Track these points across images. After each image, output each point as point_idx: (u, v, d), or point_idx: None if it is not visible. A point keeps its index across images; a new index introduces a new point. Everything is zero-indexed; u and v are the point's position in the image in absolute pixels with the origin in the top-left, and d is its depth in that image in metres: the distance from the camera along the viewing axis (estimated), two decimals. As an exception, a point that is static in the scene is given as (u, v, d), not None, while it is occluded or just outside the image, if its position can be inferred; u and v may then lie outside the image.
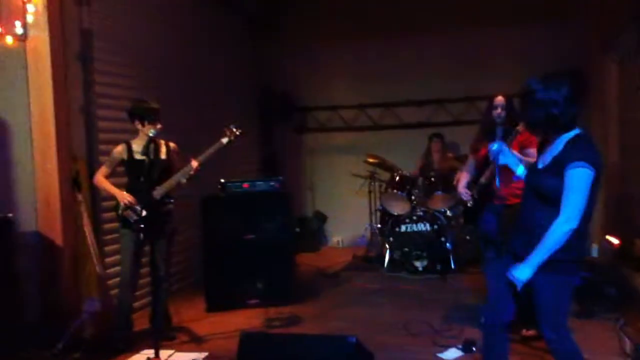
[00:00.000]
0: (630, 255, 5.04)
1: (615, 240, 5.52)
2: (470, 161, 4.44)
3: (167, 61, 5.86)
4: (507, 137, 3.72)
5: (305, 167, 8.64)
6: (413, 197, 6.60)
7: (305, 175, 8.61)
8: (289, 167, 8.44)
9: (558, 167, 2.62)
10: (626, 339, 3.88)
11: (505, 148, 3.05)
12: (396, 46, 7.95)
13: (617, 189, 6.13)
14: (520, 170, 2.97)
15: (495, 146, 3.03)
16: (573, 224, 2.56)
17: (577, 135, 2.68)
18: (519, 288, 2.70)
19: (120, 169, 4.31)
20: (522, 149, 3.81)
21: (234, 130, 4.28)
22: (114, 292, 4.44)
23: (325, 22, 8.10)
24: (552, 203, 2.63)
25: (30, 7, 4.19)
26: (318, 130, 8.53)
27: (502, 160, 3.02)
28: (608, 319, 4.42)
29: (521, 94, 2.75)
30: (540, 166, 2.77)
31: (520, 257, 2.77)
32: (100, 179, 4.24)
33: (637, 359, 3.44)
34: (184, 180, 4.19)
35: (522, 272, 2.66)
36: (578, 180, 2.55)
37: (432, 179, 6.69)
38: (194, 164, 4.17)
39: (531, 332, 4.05)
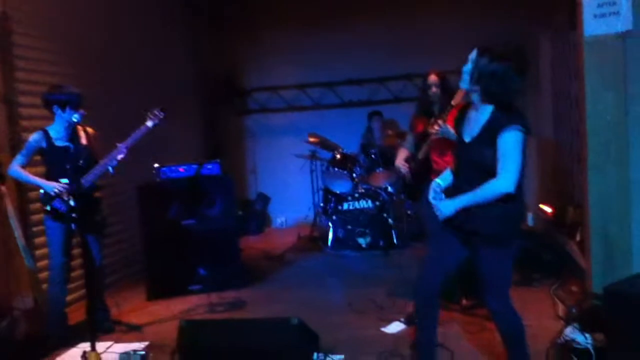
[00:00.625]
0: (564, 222, 5.23)
1: (548, 209, 5.71)
2: (409, 138, 4.47)
3: (98, 46, 5.58)
4: (442, 114, 3.76)
5: (247, 149, 8.53)
6: (355, 175, 6.62)
7: (247, 157, 8.50)
8: (232, 150, 8.34)
9: (490, 135, 2.62)
10: (559, 302, 4.04)
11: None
12: (335, 26, 7.88)
13: (551, 160, 6.34)
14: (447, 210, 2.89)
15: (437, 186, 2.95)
16: (510, 188, 2.57)
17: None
18: (440, 219, 2.78)
19: (37, 158, 4.08)
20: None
21: (157, 113, 4.13)
22: (46, 286, 4.25)
23: (265, 4, 7.97)
24: (491, 175, 2.64)
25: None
26: (259, 111, 8.41)
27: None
28: (545, 285, 4.58)
29: (474, 65, 2.69)
30: (467, 139, 2.77)
31: (460, 229, 2.80)
32: (17, 169, 3.99)
33: (569, 320, 3.56)
34: (110, 168, 4.02)
35: (447, 207, 2.73)
36: (513, 144, 2.57)
37: (373, 156, 6.72)
38: (121, 147, 4.00)
39: (471, 301, 4.15)
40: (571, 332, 3.20)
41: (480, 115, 2.72)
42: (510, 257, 2.81)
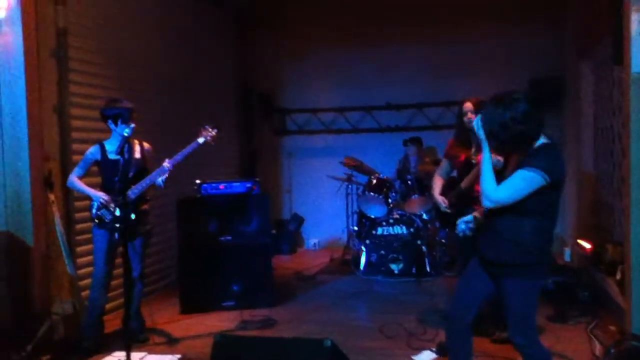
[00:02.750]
0: (603, 259, 5.12)
1: (587, 245, 5.60)
2: (444, 165, 4.45)
3: (146, 60, 5.80)
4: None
5: (284, 169, 8.62)
6: (390, 200, 6.63)
7: (283, 177, 8.59)
8: (268, 168, 8.43)
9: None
10: (596, 342, 3.95)
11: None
12: (376, 51, 7.98)
13: (591, 195, 6.23)
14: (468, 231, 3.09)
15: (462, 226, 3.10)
16: (489, 204, 2.70)
17: (541, 145, 2.73)
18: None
19: (94, 169, 4.24)
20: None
21: (210, 130, 4.25)
22: (86, 293, 4.37)
23: (309, 25, 8.13)
24: (518, 211, 2.68)
25: (2, 2, 4.10)
26: (297, 132, 8.52)
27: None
28: (580, 322, 4.49)
29: (483, 120, 2.76)
30: (508, 174, 2.80)
31: (488, 261, 2.81)
32: (74, 180, 4.17)
33: (607, 361, 3.49)
34: (159, 181, 4.15)
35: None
36: (522, 179, 2.64)
37: (409, 182, 6.73)
38: (166, 164, 4.13)
39: (504, 335, 4.08)
40: (609, 373, 3.13)
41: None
42: (535, 291, 2.79)
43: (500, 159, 3.09)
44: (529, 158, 2.68)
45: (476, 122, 2.79)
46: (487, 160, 2.75)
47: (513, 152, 2.83)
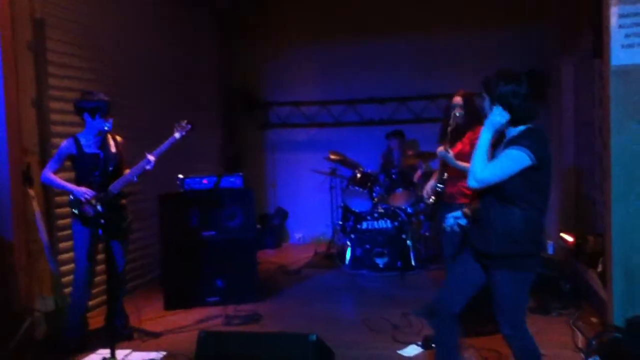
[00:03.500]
0: (584, 251, 5.18)
1: (569, 238, 5.66)
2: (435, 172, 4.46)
3: (126, 54, 5.72)
4: (444, 138, 3.81)
5: (267, 163, 8.58)
6: (374, 194, 6.63)
7: (267, 171, 8.56)
8: (252, 163, 8.39)
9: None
10: (579, 333, 3.99)
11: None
12: (359, 44, 7.97)
13: (573, 188, 6.30)
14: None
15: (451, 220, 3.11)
16: (475, 183, 2.71)
17: (528, 128, 2.75)
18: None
19: (67, 164, 4.17)
20: (473, 147, 3.85)
21: (184, 125, 4.21)
22: (68, 290, 4.31)
23: (290, 19, 8.10)
24: (507, 200, 2.70)
25: (-24, -8, 4.00)
26: (280, 126, 8.48)
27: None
28: (563, 314, 4.54)
29: (483, 88, 2.79)
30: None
31: (480, 252, 2.82)
32: (49, 175, 4.08)
33: (589, 352, 3.53)
34: (135, 176, 4.10)
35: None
36: (508, 158, 2.66)
37: (393, 176, 6.74)
38: (151, 157, 4.08)
39: (490, 327, 4.11)
40: (591, 364, 3.16)
41: (507, 140, 2.78)
42: (525, 283, 2.80)
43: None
44: (514, 139, 2.70)
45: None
46: (484, 141, 2.73)
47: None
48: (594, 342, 3.57)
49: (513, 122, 2.74)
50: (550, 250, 6.43)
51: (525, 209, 2.70)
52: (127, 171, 4.14)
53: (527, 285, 2.81)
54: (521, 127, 2.75)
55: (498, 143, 2.87)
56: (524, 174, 2.65)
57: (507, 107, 2.70)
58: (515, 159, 2.64)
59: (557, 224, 6.52)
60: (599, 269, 4.62)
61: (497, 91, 2.72)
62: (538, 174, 2.68)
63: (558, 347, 3.85)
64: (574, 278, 5.07)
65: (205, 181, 5.30)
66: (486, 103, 2.80)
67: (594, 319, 4.28)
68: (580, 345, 3.84)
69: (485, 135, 2.74)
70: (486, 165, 2.69)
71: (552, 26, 6.97)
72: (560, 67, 6.55)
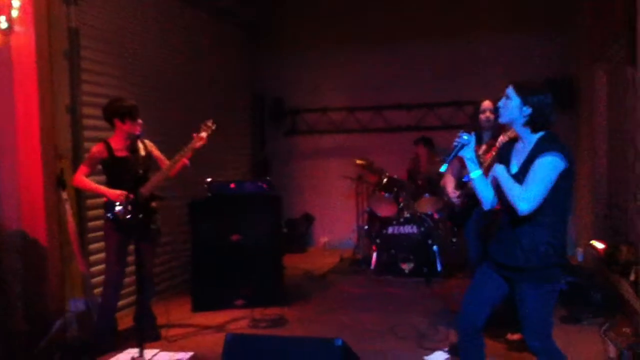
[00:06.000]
0: (616, 260, 5.07)
1: (600, 245, 5.54)
2: (456, 165, 4.44)
3: (156, 62, 5.83)
4: (494, 140, 3.75)
5: (295, 169, 8.62)
6: (400, 200, 6.61)
7: (294, 177, 8.59)
8: (279, 169, 8.44)
9: (531, 163, 2.64)
10: (610, 344, 3.90)
11: (472, 143, 2.86)
12: (386, 50, 7.98)
13: (605, 197, 6.18)
14: (476, 174, 2.85)
15: (465, 136, 2.83)
16: (524, 208, 2.57)
17: (549, 134, 2.71)
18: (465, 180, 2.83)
19: (98, 168, 4.26)
20: None
21: (210, 125, 4.26)
22: (98, 291, 4.39)
23: (317, 27, 8.15)
24: (534, 213, 2.62)
25: (15, 2, 4.12)
26: (308, 132, 8.52)
27: (464, 152, 2.84)
28: (593, 324, 4.45)
29: (515, 89, 2.74)
30: (515, 170, 2.76)
31: (501, 265, 2.79)
32: (82, 179, 4.18)
33: (621, 363, 3.46)
34: (172, 173, 4.21)
35: (475, 172, 2.80)
36: (545, 167, 2.58)
37: (420, 182, 6.70)
38: (185, 160, 4.17)
39: (516, 336, 4.06)
40: (623, 375, 3.09)
41: (527, 146, 2.74)
42: (552, 294, 2.74)
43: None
44: (541, 146, 2.65)
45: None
46: (502, 171, 2.69)
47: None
48: (626, 353, 3.50)
49: (535, 129, 2.70)
50: (579, 258, 6.32)
51: (551, 220, 2.65)
52: (157, 173, 4.22)
53: (554, 297, 2.75)
54: (539, 134, 2.71)
55: (508, 148, 2.84)
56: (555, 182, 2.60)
57: (539, 112, 2.66)
58: (552, 166, 2.58)
59: (588, 232, 6.40)
60: (632, 278, 4.52)
61: (533, 97, 2.67)
62: (564, 181, 2.63)
63: (590, 358, 3.78)
64: (605, 287, 4.96)
65: (232, 186, 5.35)
66: (514, 103, 2.72)
67: (626, 329, 4.18)
68: (612, 355, 3.76)
69: (499, 167, 2.71)
70: (526, 186, 2.60)
71: (582, 32, 6.87)
72: (592, 74, 6.43)
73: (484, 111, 4.10)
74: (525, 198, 2.57)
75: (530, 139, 2.72)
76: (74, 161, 4.57)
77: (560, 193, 2.63)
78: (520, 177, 2.69)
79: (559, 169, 2.58)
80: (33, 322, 4.12)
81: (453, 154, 2.83)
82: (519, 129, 2.74)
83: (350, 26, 8.00)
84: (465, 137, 2.79)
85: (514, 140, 2.87)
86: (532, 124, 2.68)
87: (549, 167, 2.58)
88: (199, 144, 4.22)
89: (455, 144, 2.81)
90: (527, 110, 2.67)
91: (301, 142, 8.58)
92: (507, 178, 2.67)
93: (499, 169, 2.71)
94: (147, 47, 5.69)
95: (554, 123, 2.71)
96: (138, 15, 5.54)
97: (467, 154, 2.80)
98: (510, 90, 2.74)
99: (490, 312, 2.93)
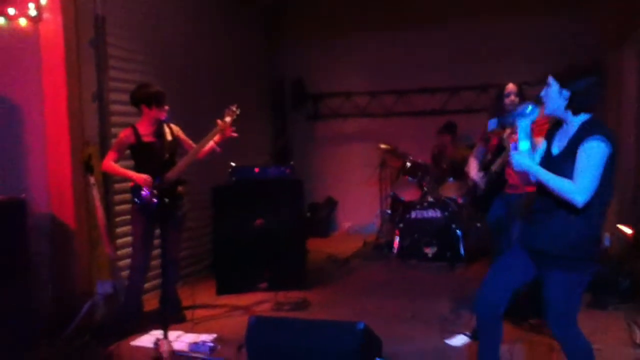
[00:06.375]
0: (644, 246, 4.99)
1: (628, 230, 5.45)
2: (479, 148, 4.42)
3: (180, 48, 5.88)
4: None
5: (318, 154, 8.63)
6: (424, 184, 6.58)
7: (317, 161, 8.60)
8: (302, 153, 8.45)
9: (575, 148, 2.59)
10: (637, 330, 3.86)
11: (534, 115, 2.83)
12: (410, 34, 7.89)
13: (633, 179, 6.06)
14: (524, 145, 2.80)
15: (530, 107, 2.79)
16: (579, 200, 2.52)
17: (591, 118, 2.67)
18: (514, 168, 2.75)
19: (126, 152, 4.34)
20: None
21: (235, 109, 4.28)
22: (125, 273, 4.49)
23: (339, 10, 8.09)
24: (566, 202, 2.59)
25: (43, -10, 4.20)
26: (330, 116, 8.51)
27: (522, 121, 2.81)
28: (620, 310, 4.39)
29: (555, 77, 2.71)
30: (556, 152, 2.73)
31: (533, 248, 2.76)
32: (110, 164, 4.26)
33: (646, 349, 3.41)
34: (202, 154, 4.26)
35: (523, 160, 2.69)
36: (591, 154, 2.54)
37: (444, 166, 6.66)
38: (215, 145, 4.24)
39: (540, 321, 4.04)
40: (648, 361, 3.06)
41: (570, 128, 2.70)
42: (582, 285, 2.70)
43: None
44: (585, 130, 2.61)
45: (529, 111, 2.73)
46: (544, 175, 2.63)
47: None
48: (652, 339, 3.45)
49: (576, 110, 2.65)
50: (607, 243, 6.21)
51: (587, 211, 2.58)
52: (184, 158, 4.27)
53: (582, 288, 2.71)
54: (583, 117, 2.66)
55: (554, 129, 2.80)
56: None
57: (578, 94, 2.62)
58: (598, 151, 2.54)
59: (616, 216, 6.28)
60: (660, 263, 4.45)
61: (572, 80, 2.64)
62: (607, 168, 2.57)
63: (615, 343, 3.74)
64: (632, 273, 4.89)
65: (256, 170, 5.39)
66: (553, 89, 2.68)
67: (653, 315, 4.12)
68: (638, 341, 3.71)
69: (539, 174, 2.64)
70: (577, 178, 2.54)
71: (610, 12, 6.68)
72: (620, 56, 6.28)
73: (508, 94, 4.05)
74: (579, 190, 2.53)
75: (573, 121, 2.68)
76: (101, 147, 4.66)
77: (599, 180, 2.57)
78: (560, 159, 2.66)
79: (606, 153, 2.54)
80: (61, 305, 4.24)
81: (511, 118, 2.82)
82: (562, 113, 2.70)
83: (373, 9, 7.93)
84: (530, 108, 2.77)
85: (559, 124, 2.81)
86: (573, 106, 2.65)
87: (595, 152, 2.54)
88: (224, 129, 4.24)
89: (518, 110, 2.80)
90: (566, 93, 2.64)
91: (324, 126, 8.58)
92: (550, 177, 2.61)
93: (539, 172, 2.65)
94: (172, 34, 5.73)
95: (596, 104, 2.66)
96: (162, 2, 5.57)
97: (524, 123, 2.79)
98: (550, 79, 2.71)
99: (512, 297, 2.91)
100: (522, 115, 2.79)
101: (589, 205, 2.55)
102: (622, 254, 5.50)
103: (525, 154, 2.73)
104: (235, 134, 4.29)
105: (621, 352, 3.63)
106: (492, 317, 2.91)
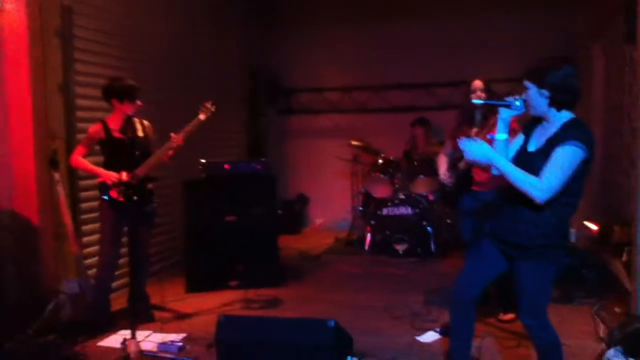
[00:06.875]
0: (609, 241, 5.10)
1: (593, 226, 5.57)
2: (449, 146, 4.45)
3: (151, 40, 5.75)
4: (484, 121, 3.74)
5: (290, 149, 8.59)
6: (396, 181, 6.61)
7: (289, 157, 8.57)
8: (274, 149, 8.42)
9: (552, 148, 2.59)
10: (601, 323, 3.94)
11: (518, 111, 2.79)
12: (384, 30, 7.89)
13: (598, 175, 6.18)
14: (501, 136, 2.80)
15: (518, 102, 2.74)
16: (541, 196, 2.53)
17: (573, 119, 2.67)
18: (465, 157, 2.71)
19: (96, 148, 4.24)
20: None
21: (210, 107, 4.21)
22: (92, 272, 4.39)
23: (315, 4, 8.04)
24: None
25: (5, -20, 4.06)
26: (303, 112, 8.47)
27: (505, 112, 2.79)
28: (585, 303, 4.48)
29: (529, 77, 2.69)
30: (532, 149, 2.74)
31: (504, 241, 2.79)
32: (79, 159, 4.16)
33: (610, 343, 3.48)
34: (166, 157, 4.14)
35: (478, 150, 2.64)
36: (565, 156, 2.54)
37: (415, 163, 6.70)
38: (175, 137, 4.10)
39: (509, 316, 4.10)
40: (614, 356, 3.12)
41: (551, 127, 2.69)
42: (551, 274, 2.75)
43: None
44: (564, 132, 2.60)
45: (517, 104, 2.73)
46: (508, 167, 2.62)
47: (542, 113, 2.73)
48: (616, 333, 3.52)
49: (558, 106, 2.65)
50: (573, 238, 6.34)
51: (558, 201, 2.60)
52: (154, 154, 4.19)
53: (552, 276, 2.76)
54: (565, 116, 2.66)
55: (532, 126, 2.81)
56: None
57: (558, 90, 2.61)
58: (574, 156, 2.53)
59: (581, 212, 6.40)
60: (624, 258, 4.55)
61: (546, 77, 2.61)
62: (583, 167, 2.59)
63: (580, 337, 3.81)
64: (597, 267, 4.99)
65: (227, 166, 5.33)
66: (532, 92, 2.67)
67: (617, 309, 4.21)
68: (602, 335, 3.79)
69: (501, 165, 2.63)
70: (544, 175, 2.54)
71: (581, 10, 6.80)
72: (590, 52, 6.40)
73: (474, 91, 4.07)
74: (543, 188, 2.53)
75: (556, 119, 2.67)
76: (67, 142, 4.54)
77: (572, 178, 2.59)
78: (536, 156, 2.66)
79: (579, 159, 2.55)
80: (25, 303, 4.12)
81: (494, 102, 2.79)
82: (546, 111, 2.69)
83: (348, 5, 7.91)
84: (518, 103, 2.75)
85: (538, 120, 2.81)
86: (555, 103, 2.64)
87: (569, 157, 2.53)
88: (196, 127, 4.17)
89: (505, 100, 2.77)
90: (546, 92, 2.63)
91: (296, 121, 8.54)
92: (514, 169, 2.61)
93: (501, 162, 2.63)
94: (143, 25, 5.61)
95: (577, 98, 2.66)
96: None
97: (506, 114, 2.77)
98: (525, 82, 2.70)
99: (485, 285, 2.95)
100: (509, 106, 2.76)
101: (556, 198, 2.58)
102: (588, 248, 5.62)
103: (485, 143, 2.68)
104: (196, 126, 4.18)
105: (587, 345, 3.70)
106: (467, 303, 2.95)
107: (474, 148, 2.66)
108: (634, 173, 3.93)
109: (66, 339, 3.81)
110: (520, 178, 2.58)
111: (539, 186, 2.54)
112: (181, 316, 4.51)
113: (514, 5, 7.30)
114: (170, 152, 4.16)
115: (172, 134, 4.13)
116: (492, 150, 2.67)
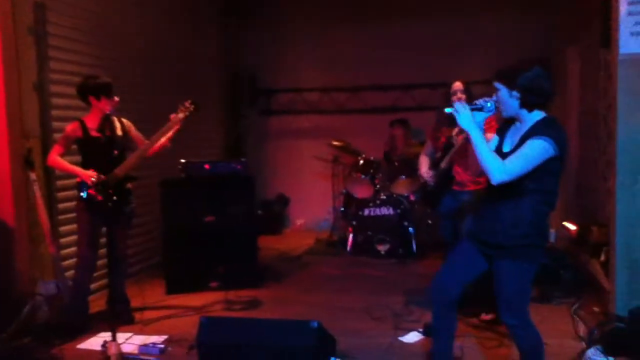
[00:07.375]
0: (587, 241, 5.16)
1: (572, 227, 5.64)
2: (429, 146, 4.47)
3: (127, 39, 5.67)
4: None
5: (269, 150, 8.54)
6: (377, 182, 6.61)
7: (269, 157, 8.52)
8: (253, 149, 8.36)
9: (523, 143, 2.63)
10: (580, 323, 3.99)
11: (489, 114, 2.83)
12: (363, 31, 7.91)
13: (575, 177, 6.27)
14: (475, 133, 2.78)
15: (490, 104, 2.77)
16: (497, 177, 2.57)
17: (547, 118, 2.71)
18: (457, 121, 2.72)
19: (73, 147, 4.15)
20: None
21: (188, 106, 4.16)
22: (69, 273, 4.31)
23: (294, 5, 8.02)
24: (518, 192, 2.64)
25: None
26: (282, 112, 8.44)
27: (478, 114, 2.78)
28: (564, 303, 4.53)
29: (499, 78, 2.71)
30: (507, 149, 2.76)
31: (483, 242, 2.80)
32: (56, 158, 4.07)
33: (590, 342, 3.52)
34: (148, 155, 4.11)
35: (464, 115, 2.68)
36: (532, 148, 2.57)
37: (396, 163, 6.71)
38: (146, 142, 4.07)
39: (490, 316, 4.12)
40: (593, 354, 3.16)
41: (524, 127, 2.72)
42: (530, 273, 2.77)
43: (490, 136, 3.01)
44: (536, 129, 2.63)
45: (488, 105, 2.74)
46: (480, 141, 2.65)
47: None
48: (595, 332, 3.57)
49: (529, 107, 2.68)
50: (552, 239, 6.41)
51: (536, 200, 2.65)
52: (133, 154, 4.12)
53: (532, 276, 2.78)
54: (537, 115, 2.69)
55: (506, 127, 2.83)
56: (542, 165, 2.59)
57: (528, 91, 2.63)
58: (541, 150, 2.57)
59: (560, 212, 6.49)
60: (602, 258, 4.61)
61: (521, 78, 2.63)
62: (555, 165, 2.63)
63: (560, 336, 3.84)
64: (576, 267, 5.06)
65: (207, 166, 5.27)
66: (502, 93, 2.70)
67: (595, 309, 4.26)
68: (581, 334, 3.83)
69: (477, 137, 2.65)
70: (510, 159, 2.59)
71: (557, 14, 6.90)
72: (566, 56, 6.48)
73: (454, 92, 4.08)
74: (504, 170, 2.57)
75: (528, 119, 2.70)
76: (43, 141, 4.44)
77: (546, 176, 2.64)
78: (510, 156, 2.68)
79: (547, 154, 2.57)
80: (2, 305, 4.02)
81: (470, 105, 2.78)
82: (518, 112, 2.71)
83: (327, 6, 7.90)
84: (489, 105, 2.77)
85: (511, 121, 2.83)
86: (526, 103, 2.67)
87: (536, 148, 2.57)
88: (176, 126, 4.12)
89: (476, 103, 2.78)
90: (516, 93, 2.66)
91: (276, 122, 8.50)
92: (485, 147, 2.64)
93: (476, 137, 2.65)
94: (119, 23, 5.53)
95: (549, 98, 2.69)
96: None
97: (479, 117, 2.77)
98: (495, 83, 2.72)
99: (465, 285, 2.96)
100: (482, 108, 2.78)
101: (533, 197, 2.62)
102: (566, 249, 5.69)
103: (470, 115, 2.70)
104: (177, 125, 4.14)
105: (566, 344, 3.73)
106: (447, 303, 2.95)
107: (462, 112, 2.69)
108: (611, 174, 3.99)
109: (42, 341, 3.73)
110: (486, 155, 2.62)
111: (501, 168, 2.58)
112: (162, 318, 4.44)
113: (491, 8, 7.38)
114: (159, 146, 4.13)
115: (146, 140, 4.09)
116: (474, 123, 2.69)
